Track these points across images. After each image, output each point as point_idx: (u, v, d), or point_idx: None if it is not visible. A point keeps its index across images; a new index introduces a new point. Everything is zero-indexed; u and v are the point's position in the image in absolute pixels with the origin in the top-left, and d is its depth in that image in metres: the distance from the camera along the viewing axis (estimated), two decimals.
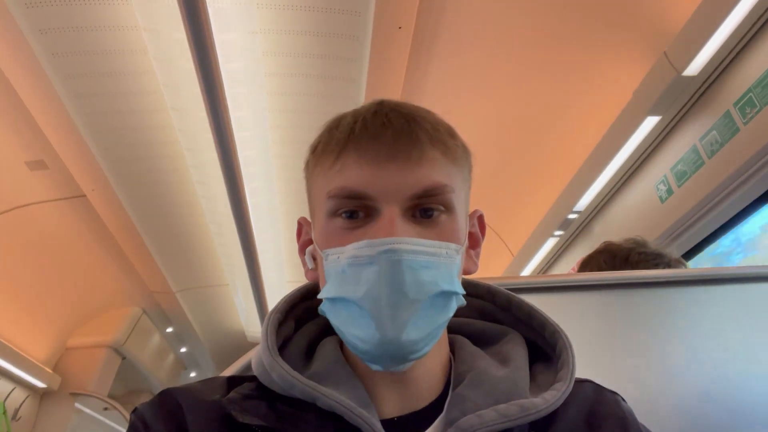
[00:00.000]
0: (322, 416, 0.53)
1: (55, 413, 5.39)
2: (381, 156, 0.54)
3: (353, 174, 0.54)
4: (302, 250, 0.65)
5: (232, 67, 2.40)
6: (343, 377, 0.57)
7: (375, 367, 0.55)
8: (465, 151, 0.61)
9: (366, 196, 0.54)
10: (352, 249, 0.53)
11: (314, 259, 0.62)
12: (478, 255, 0.64)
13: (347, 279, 0.53)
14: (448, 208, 0.56)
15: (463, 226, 0.59)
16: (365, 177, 0.54)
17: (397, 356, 0.53)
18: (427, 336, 0.53)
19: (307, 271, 0.63)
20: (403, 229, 0.53)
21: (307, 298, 0.68)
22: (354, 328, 0.53)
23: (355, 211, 0.55)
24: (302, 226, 0.66)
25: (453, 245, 0.56)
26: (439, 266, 0.54)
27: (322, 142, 0.60)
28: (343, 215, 0.55)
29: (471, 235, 0.64)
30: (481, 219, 0.66)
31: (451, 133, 0.60)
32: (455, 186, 0.57)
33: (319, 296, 0.57)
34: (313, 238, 0.61)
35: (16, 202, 3.85)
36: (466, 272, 0.61)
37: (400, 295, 0.51)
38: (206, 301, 5.52)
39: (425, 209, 0.55)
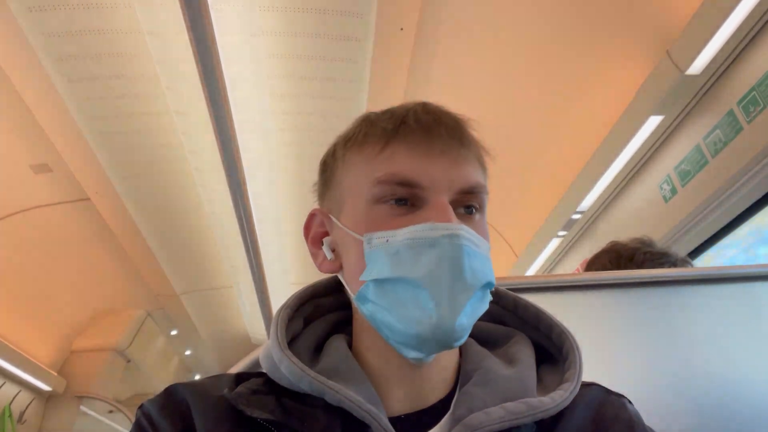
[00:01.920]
0: (329, 411, 0.53)
1: (60, 416, 5.41)
2: (434, 149, 0.56)
3: (404, 162, 0.56)
4: (316, 242, 0.64)
5: (234, 69, 2.40)
6: (351, 373, 0.57)
7: (413, 354, 0.55)
8: (488, 157, 0.64)
9: (417, 184, 0.55)
10: (410, 231, 0.54)
11: (333, 250, 0.62)
12: None
13: (403, 260, 0.53)
14: (481, 209, 0.59)
15: (487, 227, 0.61)
16: (416, 166, 0.55)
17: (444, 340, 0.53)
18: (471, 325, 0.55)
19: (323, 262, 0.63)
20: (456, 219, 0.55)
21: (315, 297, 0.68)
22: (407, 310, 0.53)
23: (403, 199, 0.56)
24: (315, 217, 0.65)
25: (487, 243, 0.58)
26: (484, 259, 0.56)
27: (362, 132, 0.60)
28: (391, 202, 0.56)
29: None
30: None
31: (479, 140, 0.63)
32: (487, 189, 0.60)
33: (362, 278, 0.56)
34: (338, 227, 0.61)
35: (21, 205, 3.86)
36: None
37: (460, 279, 0.52)
38: (210, 304, 5.52)
39: (467, 206, 0.58)
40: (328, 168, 0.64)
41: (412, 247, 0.53)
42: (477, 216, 0.58)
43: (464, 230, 0.53)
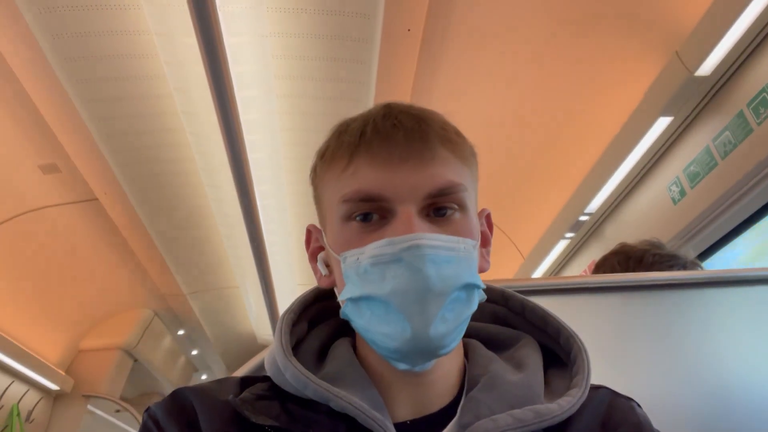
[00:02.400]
0: (334, 417, 0.53)
1: (67, 415, 5.43)
2: (394, 157, 0.55)
3: (367, 177, 0.55)
4: (313, 258, 0.64)
5: (242, 70, 2.41)
6: (356, 379, 0.57)
7: (402, 366, 0.55)
8: (472, 150, 0.62)
9: (381, 197, 0.54)
10: (372, 248, 0.53)
11: (327, 265, 0.62)
12: (488, 253, 0.64)
13: (370, 278, 0.53)
14: (462, 207, 0.57)
15: (475, 223, 0.59)
16: (379, 179, 0.54)
17: (425, 351, 0.53)
18: (455, 329, 0.54)
19: (320, 278, 0.63)
20: (421, 227, 0.53)
21: (319, 300, 0.68)
22: (382, 326, 0.53)
23: (370, 214, 0.55)
24: (311, 233, 0.65)
25: (470, 240, 0.56)
26: (459, 260, 0.54)
27: (331, 147, 0.60)
28: (358, 218, 0.55)
29: (481, 234, 0.63)
30: (488, 218, 0.66)
31: (458, 133, 0.60)
32: (467, 184, 0.57)
33: (340, 298, 0.57)
34: (325, 243, 0.61)
35: (29, 205, 3.88)
36: (479, 271, 0.61)
37: (427, 289, 0.51)
38: (217, 304, 5.54)
39: (439, 208, 0.55)
40: (313, 183, 0.64)
41: (376, 265, 0.53)
42: (457, 215, 0.56)
43: (426, 238, 0.52)
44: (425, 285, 0.51)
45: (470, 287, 0.55)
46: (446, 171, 0.56)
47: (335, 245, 0.58)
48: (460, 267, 0.54)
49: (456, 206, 0.56)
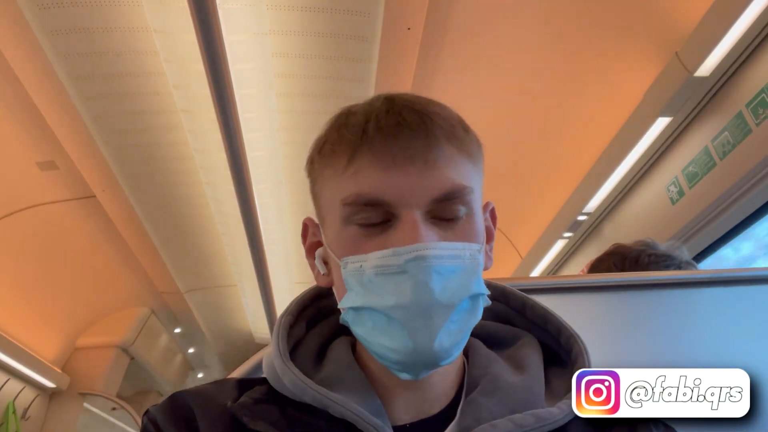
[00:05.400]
0: (333, 423, 0.53)
1: (63, 413, 5.43)
2: (398, 159, 0.51)
3: (369, 179, 0.52)
4: (311, 253, 0.62)
5: (241, 68, 2.41)
6: (355, 382, 0.57)
7: (404, 376, 0.53)
8: (479, 144, 0.59)
9: (384, 202, 0.52)
10: (376, 258, 0.51)
11: (325, 263, 0.60)
12: (491, 249, 0.62)
13: (374, 289, 0.51)
14: (468, 209, 0.54)
15: (481, 224, 0.57)
16: (382, 182, 0.51)
17: (429, 364, 0.52)
18: (460, 341, 0.53)
19: (317, 276, 0.61)
20: (426, 234, 0.50)
21: (317, 299, 0.67)
22: (384, 339, 0.51)
23: (372, 217, 0.53)
24: (308, 227, 0.63)
25: (475, 245, 0.54)
26: (465, 269, 0.52)
27: (330, 141, 0.56)
28: (360, 222, 0.53)
29: (485, 230, 0.61)
30: (492, 212, 0.64)
31: (465, 127, 0.58)
32: (473, 185, 0.55)
33: (341, 306, 0.55)
34: (324, 242, 0.59)
35: (27, 202, 3.88)
36: (483, 269, 0.59)
37: (433, 302, 0.49)
38: (214, 302, 5.53)
39: (445, 211, 0.53)
40: (310, 176, 0.61)
41: (380, 275, 0.51)
42: (463, 219, 0.54)
43: (433, 248, 0.50)
44: (431, 299, 0.49)
45: (476, 296, 0.54)
46: (453, 172, 0.53)
47: (335, 247, 0.55)
48: (466, 277, 0.52)
49: (463, 209, 0.54)
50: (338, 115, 0.58)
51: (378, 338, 0.52)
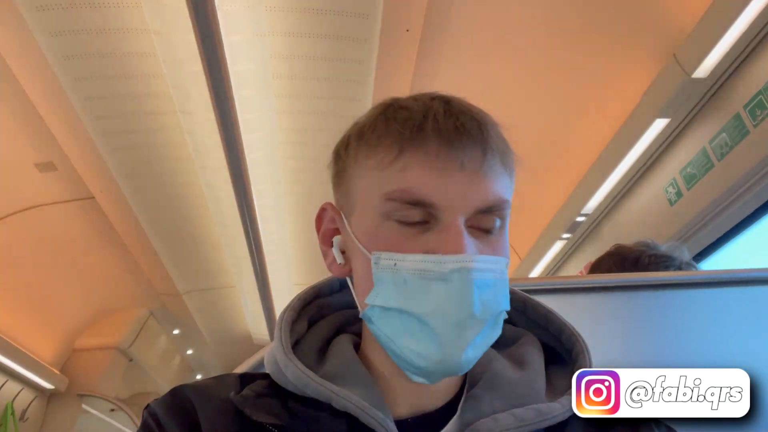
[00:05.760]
0: (335, 416, 0.53)
1: (62, 414, 5.42)
2: (453, 163, 0.51)
3: (419, 178, 0.51)
4: (325, 240, 0.61)
5: (240, 69, 2.40)
6: (357, 376, 0.57)
7: (419, 380, 0.53)
8: (515, 158, 0.59)
9: (431, 204, 0.51)
10: (418, 261, 0.50)
11: (343, 252, 0.59)
12: None
13: (410, 291, 0.50)
14: (502, 223, 0.54)
15: (507, 239, 0.57)
16: (432, 184, 0.51)
17: (449, 373, 0.52)
18: (481, 354, 0.53)
19: (332, 264, 0.59)
20: (469, 245, 0.50)
21: (318, 297, 0.67)
22: (412, 343, 0.51)
23: (413, 216, 0.52)
24: (326, 212, 0.61)
25: (504, 260, 0.54)
26: (498, 284, 0.52)
27: (376, 132, 0.55)
28: (400, 219, 0.52)
29: None
30: None
31: (507, 143, 0.57)
32: (510, 200, 0.55)
33: (367, 301, 0.53)
34: (348, 231, 0.57)
35: (26, 203, 3.87)
36: None
37: (469, 315, 0.49)
38: (213, 303, 5.52)
39: (485, 221, 0.53)
40: (341, 160, 0.59)
41: (419, 279, 0.50)
42: (497, 231, 0.54)
43: (476, 261, 0.49)
44: (469, 311, 0.49)
45: (503, 313, 0.54)
46: (498, 185, 0.53)
47: (366, 240, 0.54)
48: (499, 292, 0.52)
49: (499, 222, 0.54)
50: (386, 106, 0.57)
51: (405, 340, 0.51)
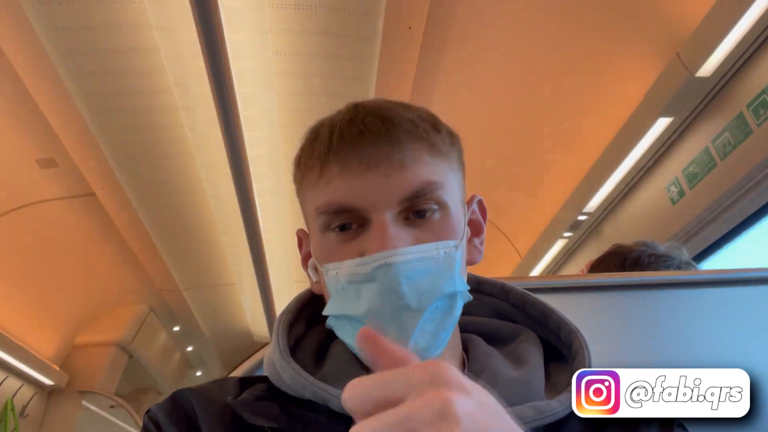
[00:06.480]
0: (334, 418, 0.53)
1: (62, 410, 5.43)
2: (363, 165, 0.53)
3: (338, 187, 0.54)
4: (305, 263, 0.63)
5: (242, 66, 2.40)
6: (355, 378, 0.57)
7: None
8: (451, 138, 0.59)
9: (354, 207, 0.53)
10: (348, 266, 0.53)
11: (317, 271, 0.61)
12: (482, 242, 0.63)
13: (347, 297, 0.53)
14: (441, 205, 0.55)
15: (459, 219, 0.57)
16: (351, 189, 0.53)
17: None
18: (436, 339, 0.53)
19: (312, 284, 0.63)
20: (397, 236, 0.52)
21: (315, 300, 0.67)
22: None
23: (347, 223, 0.54)
24: (302, 239, 0.65)
25: (450, 242, 0.54)
26: (438, 270, 0.53)
27: (304, 155, 0.59)
28: (336, 229, 0.55)
29: (472, 223, 0.62)
30: (480, 204, 0.64)
31: (434, 124, 0.58)
32: (445, 181, 0.55)
33: (324, 312, 0.57)
34: (311, 251, 0.60)
35: (27, 199, 3.87)
36: (470, 263, 0.60)
37: (402, 308, 0.51)
38: (213, 300, 5.53)
39: (418, 210, 0.54)
40: (296, 190, 0.63)
41: (351, 284, 0.52)
42: (436, 215, 0.54)
43: (400, 254, 0.50)
44: (400, 304, 0.50)
45: (452, 295, 0.54)
46: (420, 171, 0.54)
47: (318, 255, 0.58)
48: (439, 277, 0.52)
49: (435, 206, 0.54)
50: (311, 130, 0.61)
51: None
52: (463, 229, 0.57)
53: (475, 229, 0.62)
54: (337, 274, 0.54)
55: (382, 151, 0.53)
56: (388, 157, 0.53)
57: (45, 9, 2.23)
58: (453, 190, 0.57)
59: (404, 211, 0.53)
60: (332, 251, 0.55)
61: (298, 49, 2.53)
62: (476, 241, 0.62)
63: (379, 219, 0.52)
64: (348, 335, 0.55)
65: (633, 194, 2.90)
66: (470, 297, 0.57)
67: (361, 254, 0.53)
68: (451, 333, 0.56)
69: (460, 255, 0.55)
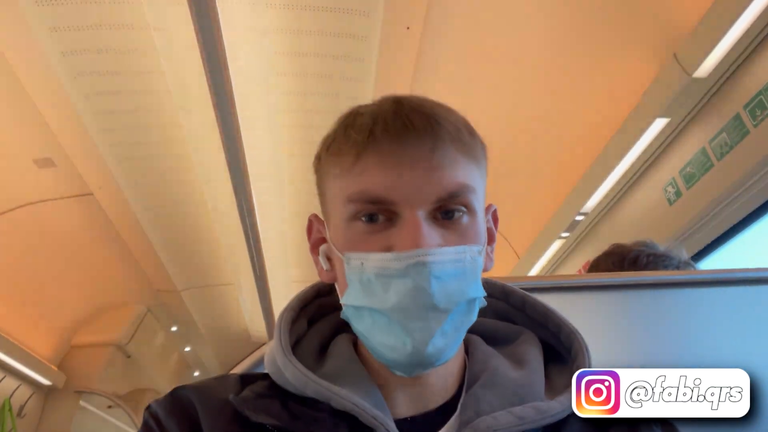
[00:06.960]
0: (335, 416, 0.53)
1: (59, 410, 5.42)
2: (404, 160, 0.53)
3: (375, 178, 0.53)
4: (314, 249, 0.63)
5: (240, 66, 2.40)
6: (357, 376, 0.57)
7: (399, 373, 0.55)
8: (483, 147, 0.60)
9: (388, 200, 0.53)
10: (377, 259, 0.52)
11: (329, 259, 0.61)
12: (493, 251, 0.63)
13: (374, 289, 0.53)
14: (470, 209, 0.55)
15: (482, 225, 0.58)
16: (387, 181, 0.53)
17: (423, 364, 0.53)
18: (453, 342, 0.54)
19: (321, 271, 0.62)
20: (428, 235, 0.52)
21: (319, 296, 0.67)
22: (382, 337, 0.53)
23: (376, 215, 0.54)
24: (313, 224, 0.64)
25: (475, 247, 0.55)
26: (465, 273, 0.53)
27: (337, 141, 0.58)
28: (363, 219, 0.54)
29: (487, 231, 0.62)
30: (494, 214, 0.65)
31: (471, 131, 0.59)
32: (476, 186, 0.56)
33: (342, 301, 0.56)
34: (328, 237, 0.60)
35: (24, 199, 3.86)
36: (483, 270, 0.60)
37: (431, 307, 0.51)
38: (211, 300, 5.53)
39: (447, 211, 0.54)
40: (317, 172, 0.62)
41: (380, 277, 0.52)
42: (464, 219, 0.55)
43: (433, 254, 0.51)
44: (429, 303, 0.51)
45: (474, 301, 0.55)
46: (456, 173, 0.54)
47: (339, 243, 0.57)
48: (465, 281, 0.53)
49: (464, 209, 0.55)
50: (346, 115, 0.59)
51: (377, 336, 0.54)
52: (485, 235, 0.58)
53: (489, 237, 0.63)
54: (363, 264, 0.53)
55: (424, 149, 0.53)
56: (429, 155, 0.53)
57: (43, 8, 2.22)
58: (480, 197, 0.58)
59: (435, 211, 0.54)
60: (358, 240, 0.54)
61: (296, 49, 2.53)
62: (488, 249, 0.62)
63: (412, 215, 0.52)
64: (367, 326, 0.55)
65: (630, 195, 2.91)
66: (485, 303, 0.58)
67: (388, 248, 0.52)
68: (463, 336, 0.56)
69: (481, 260, 0.56)
